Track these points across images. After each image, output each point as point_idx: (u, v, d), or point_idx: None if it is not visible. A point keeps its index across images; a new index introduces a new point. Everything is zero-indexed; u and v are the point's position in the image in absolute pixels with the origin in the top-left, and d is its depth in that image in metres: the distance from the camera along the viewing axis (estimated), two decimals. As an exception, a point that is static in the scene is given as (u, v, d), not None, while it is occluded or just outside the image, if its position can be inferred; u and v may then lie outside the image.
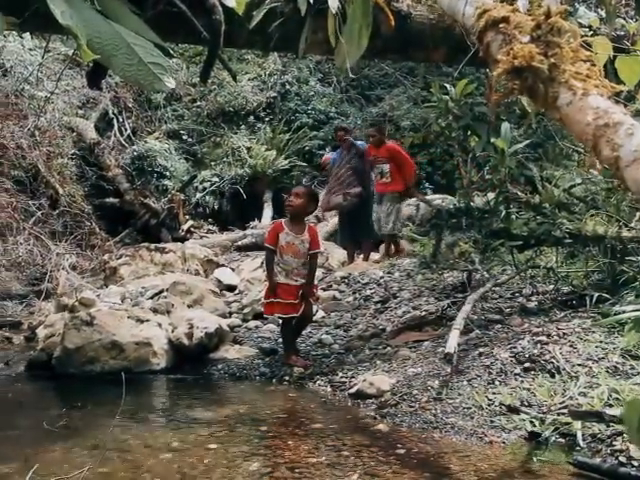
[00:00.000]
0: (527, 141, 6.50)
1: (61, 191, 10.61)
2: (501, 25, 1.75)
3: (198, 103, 14.36)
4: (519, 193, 6.30)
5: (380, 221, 9.22)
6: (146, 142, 13.19)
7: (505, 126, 5.98)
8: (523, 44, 1.68)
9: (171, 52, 2.53)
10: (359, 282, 7.87)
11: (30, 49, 10.71)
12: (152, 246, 9.95)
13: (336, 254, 9.73)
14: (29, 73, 10.52)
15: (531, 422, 3.76)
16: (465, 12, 1.93)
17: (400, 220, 9.43)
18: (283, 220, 5.92)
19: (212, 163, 13.63)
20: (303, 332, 6.05)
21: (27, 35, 9.17)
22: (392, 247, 9.46)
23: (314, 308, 6.09)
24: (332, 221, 10.89)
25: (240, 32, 4.44)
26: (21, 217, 9.48)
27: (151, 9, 2.76)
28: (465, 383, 4.39)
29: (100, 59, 2.28)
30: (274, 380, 5.38)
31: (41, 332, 6.67)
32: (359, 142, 9.66)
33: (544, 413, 3.80)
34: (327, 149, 13.51)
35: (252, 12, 4.49)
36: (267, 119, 14.44)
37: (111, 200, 12.19)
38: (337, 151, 9.84)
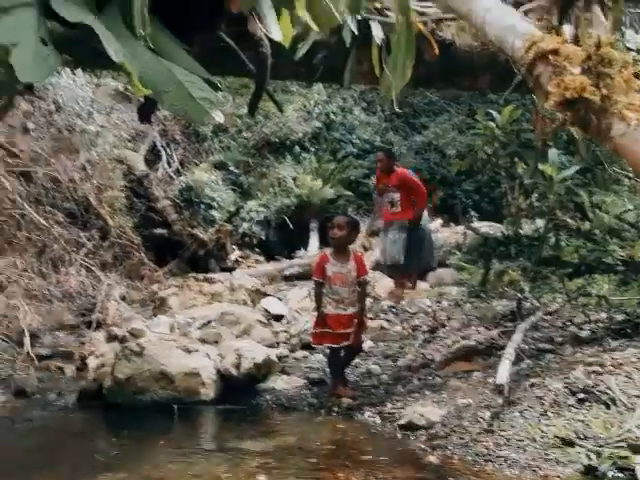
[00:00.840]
0: (576, 167, 6.42)
1: (111, 222, 10.76)
2: (551, 57, 1.73)
3: (244, 134, 14.50)
4: (568, 220, 6.22)
5: (385, 251, 8.99)
6: (194, 173, 13.34)
7: (553, 152, 5.92)
8: (574, 75, 1.66)
9: (219, 86, 2.55)
10: (407, 311, 7.82)
11: (82, 84, 10.98)
12: (200, 276, 10.02)
13: (383, 283, 9.67)
14: (81, 108, 10.77)
15: (587, 455, 3.66)
16: (513, 44, 1.91)
17: (403, 250, 8.94)
18: (328, 251, 5.93)
19: (258, 193, 13.71)
20: (351, 362, 6.02)
21: (79, 71, 9.40)
22: (409, 280, 9.28)
23: (362, 338, 6.06)
24: (378, 250, 10.86)
25: (286, 64, 4.48)
26: (73, 249, 9.63)
27: (200, 45, 2.79)
28: (517, 415, 4.30)
29: (151, 94, 2.31)
30: (322, 411, 5.34)
31: (92, 362, 6.74)
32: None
33: (600, 446, 3.70)
34: (372, 177, 13.52)
35: (297, 44, 4.54)
36: (312, 149, 14.49)
37: (160, 231, 12.33)
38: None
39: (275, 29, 3.01)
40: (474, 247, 10.14)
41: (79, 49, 2.60)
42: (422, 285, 9.41)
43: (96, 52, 2.35)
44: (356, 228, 6.01)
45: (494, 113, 6.49)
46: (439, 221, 12.40)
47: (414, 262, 9.12)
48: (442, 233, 11.36)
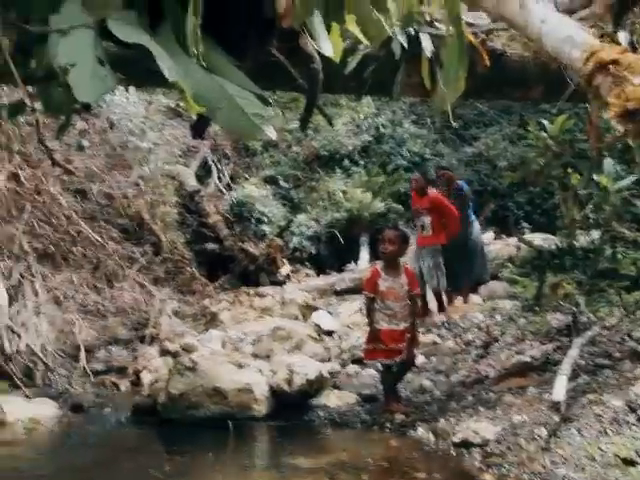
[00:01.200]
0: (632, 177, 6.28)
1: (164, 238, 10.91)
2: (611, 67, 1.69)
3: (294, 148, 14.57)
4: (625, 231, 6.09)
5: (423, 277, 8.64)
6: (244, 188, 13.45)
7: (608, 162, 5.81)
8: (635, 86, 1.62)
9: (271, 101, 2.57)
10: (460, 326, 7.73)
11: (134, 102, 11.19)
12: (251, 291, 10.09)
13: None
14: (134, 125, 10.96)
15: (649, 474, 3.56)
16: (571, 55, 1.87)
17: (443, 273, 8.69)
18: (379, 265, 5.90)
19: (308, 207, 13.74)
20: (404, 378, 5.97)
21: (131, 89, 9.56)
22: (461, 294, 9.16)
23: (414, 353, 6.01)
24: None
25: (336, 78, 4.48)
26: (126, 264, 9.78)
27: (251, 61, 2.81)
28: (575, 432, 4.21)
29: (204, 111, 2.34)
30: (375, 427, 5.31)
31: (145, 377, 6.82)
32: (460, 182, 9.53)
33: (663, 465, 3.60)
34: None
35: (347, 58, 4.54)
36: (362, 162, 14.48)
37: (211, 246, 12.44)
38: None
39: (326, 44, 3.02)
40: (527, 260, 9.96)
41: (133, 68, 2.65)
42: (474, 299, 9.30)
43: (150, 71, 2.39)
44: (406, 241, 5.98)
45: (546, 123, 6.39)
46: (491, 233, 12.28)
47: (466, 275, 9.02)
48: (494, 245, 11.23)
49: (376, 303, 5.65)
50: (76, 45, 2.32)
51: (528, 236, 11.17)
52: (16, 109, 2.81)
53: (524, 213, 13.54)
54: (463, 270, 8.97)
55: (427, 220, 8.65)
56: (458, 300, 9.22)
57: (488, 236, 11.60)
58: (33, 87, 2.92)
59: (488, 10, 1.48)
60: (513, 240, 10.67)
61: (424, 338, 7.29)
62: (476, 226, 9.42)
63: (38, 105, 2.87)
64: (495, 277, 9.73)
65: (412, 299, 5.71)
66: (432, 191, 8.99)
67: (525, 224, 13.05)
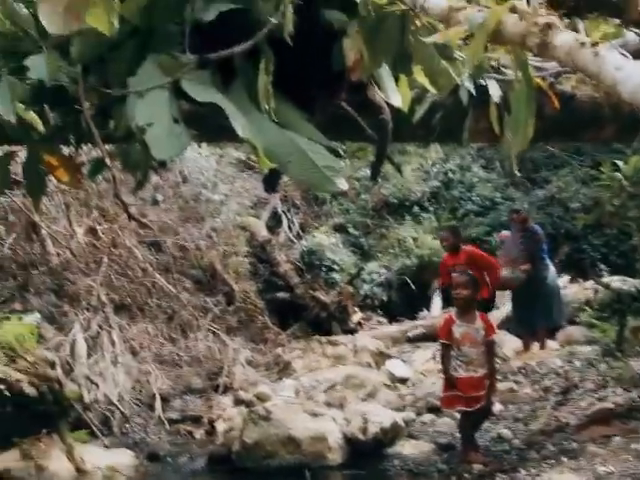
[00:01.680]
0: None
1: (236, 288, 11.03)
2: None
3: (363, 196, 14.65)
4: None
5: None
6: (314, 237, 13.54)
7: (687, 202, 5.65)
8: None
9: (341, 153, 2.61)
10: (537, 372, 7.55)
11: (206, 156, 11.47)
12: (323, 339, 10.07)
13: (510, 342, 9.40)
14: (205, 178, 11.22)
15: None
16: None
17: None
18: (452, 312, 5.83)
19: (379, 255, 13.74)
20: (481, 426, 5.84)
21: (203, 143, 9.81)
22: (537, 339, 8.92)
23: (492, 400, 5.88)
24: (504, 308, 10.57)
25: (404, 126, 4.51)
26: (200, 314, 9.91)
27: (321, 114, 2.87)
28: (665, 483, 4.03)
29: (276, 166, 2.39)
30: (453, 477, 5.19)
31: (220, 426, 6.85)
32: (535, 225, 9.39)
33: None
34: (495, 234, 13.31)
35: (415, 106, 4.57)
36: (431, 208, 14.44)
37: (282, 295, 12.51)
38: (507, 233, 9.65)
39: (394, 95, 3.06)
40: (606, 303, 9.69)
41: (206, 124, 2.74)
42: (551, 344, 9.08)
43: (222, 127, 2.46)
44: (478, 285, 5.91)
45: (620, 163, 6.28)
46: (566, 277, 12.00)
47: (542, 320, 8.82)
48: (570, 289, 10.99)
49: (452, 350, 5.56)
50: (152, 105, 2.40)
51: (606, 279, 10.89)
52: (97, 168, 2.92)
53: (600, 255, 13.21)
54: (539, 315, 8.78)
55: (463, 276, 8.26)
56: (534, 346, 9.01)
57: (564, 280, 11.34)
58: (112, 146, 3.04)
59: (559, 59, 1.48)
60: (590, 283, 10.42)
61: (501, 385, 7.13)
62: (551, 269, 9.24)
63: (116, 162, 2.99)
64: (572, 322, 9.50)
65: (489, 344, 5.61)
66: (467, 246, 8.71)
67: (602, 266, 12.73)
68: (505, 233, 10.33)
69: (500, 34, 1.58)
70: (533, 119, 3.16)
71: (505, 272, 8.79)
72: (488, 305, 8.28)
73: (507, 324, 10.04)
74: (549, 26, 1.45)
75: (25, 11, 2.54)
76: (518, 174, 13.31)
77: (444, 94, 4.34)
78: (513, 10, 1.58)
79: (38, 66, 2.48)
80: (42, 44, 2.55)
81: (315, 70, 2.73)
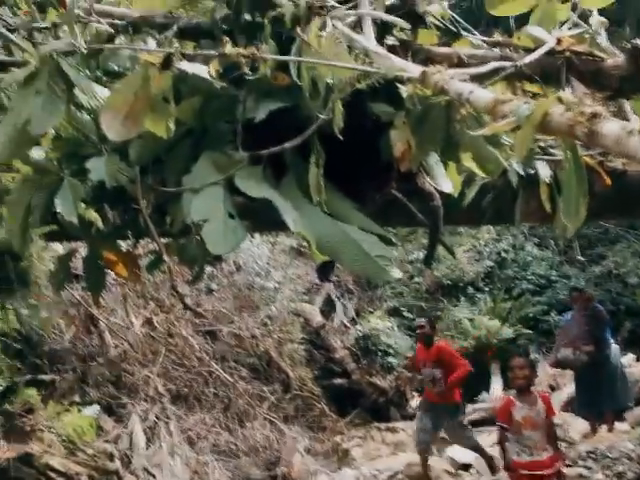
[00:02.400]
0: None
1: (292, 375, 10.99)
2: None
3: (416, 279, 14.61)
4: None
5: (453, 437, 8.02)
6: (369, 322, 13.48)
7: None
8: None
9: (394, 242, 2.62)
10: (608, 457, 7.25)
11: (258, 244, 11.64)
12: (382, 426, 9.93)
13: (576, 425, 9.08)
14: (259, 267, 11.35)
15: None
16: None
17: (472, 432, 7.99)
18: (512, 395, 5.71)
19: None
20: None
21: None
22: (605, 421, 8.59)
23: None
24: (567, 389, 10.27)
25: (455, 210, 4.53)
26: (256, 403, 9.87)
27: (372, 203, 2.91)
28: None
29: (329, 257, 2.42)
30: None
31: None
32: (597, 304, 9.18)
33: None
34: (552, 313, 13.10)
35: (464, 190, 4.60)
36: (486, 288, 14.31)
37: (339, 381, 12.40)
38: (569, 312, 9.43)
39: (444, 181, 3.09)
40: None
41: (259, 217, 2.80)
42: (621, 426, 8.74)
43: (275, 219, 2.52)
44: (535, 368, 5.82)
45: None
46: (631, 355, 11.65)
47: (608, 402, 8.53)
48: (636, 368, 10.64)
49: (513, 434, 5.41)
50: (207, 202, 2.47)
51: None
52: (154, 263, 2.99)
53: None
54: (604, 397, 8.49)
55: (437, 373, 7.82)
56: (602, 428, 8.69)
57: (628, 358, 11.01)
58: (168, 240, 3.12)
59: (608, 147, 1.49)
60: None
61: (570, 471, 6.87)
62: (615, 349, 8.98)
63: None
64: (640, 402, 9.19)
65: (550, 426, 5.45)
66: (440, 341, 8.57)
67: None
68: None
69: (547, 125, 1.60)
70: (586, 198, 3.15)
71: (566, 353, 8.57)
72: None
73: (571, 406, 9.73)
74: (595, 115, 1.46)
75: (87, 117, 2.67)
76: (578, 255, 13.18)
77: (493, 177, 4.37)
78: (559, 101, 1.60)
79: (98, 168, 2.59)
80: (102, 147, 2.67)
81: (364, 162, 2.78)
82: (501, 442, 5.54)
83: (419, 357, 8.13)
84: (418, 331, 8.26)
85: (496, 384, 12.45)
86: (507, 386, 11.86)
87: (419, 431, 7.80)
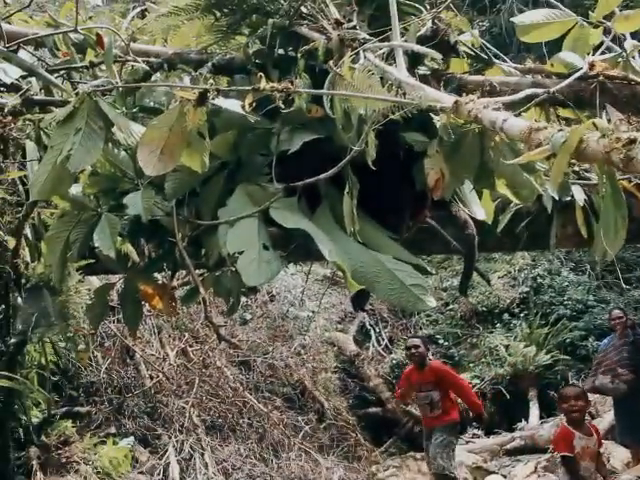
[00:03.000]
0: None
1: (326, 405, 10.93)
2: None
3: (451, 306, 14.51)
4: None
5: (430, 459, 7.40)
6: (403, 350, 13.39)
7: None
8: None
9: (429, 270, 2.62)
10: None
11: (292, 274, 11.67)
12: (418, 455, 9.78)
13: (617, 453, 8.89)
14: (293, 296, 11.37)
15: None
16: None
17: (452, 457, 7.33)
18: (570, 426, 5.49)
19: (470, 365, 13.45)
20: None
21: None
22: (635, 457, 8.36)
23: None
24: (607, 417, 10.08)
25: (489, 237, 4.51)
26: (291, 433, 9.83)
27: (406, 232, 2.92)
28: None
29: (364, 287, 2.43)
30: None
31: None
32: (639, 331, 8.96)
33: None
34: (590, 339, 12.90)
35: (498, 216, 4.58)
36: (522, 315, 14.14)
37: (374, 410, 12.31)
38: (608, 337, 9.23)
39: (478, 209, 3.09)
40: None
41: (294, 247, 2.81)
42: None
43: (309, 249, 2.53)
44: (588, 397, 5.67)
45: None
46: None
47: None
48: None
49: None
50: (242, 234, 2.50)
51: None
52: (190, 295, 3.02)
53: None
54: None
55: (435, 395, 7.29)
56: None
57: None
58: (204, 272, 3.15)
59: (643, 173, 1.49)
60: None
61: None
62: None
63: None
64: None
65: (599, 456, 5.33)
66: (434, 361, 8.12)
67: None
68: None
69: (583, 153, 1.60)
70: (625, 224, 3.12)
71: (605, 380, 8.40)
72: (462, 426, 7.84)
73: (612, 433, 9.54)
74: (632, 141, 1.46)
75: (123, 153, 2.72)
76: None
77: (527, 203, 4.36)
78: (594, 127, 1.60)
79: (135, 203, 2.64)
80: (138, 182, 2.71)
81: (398, 191, 2.80)
82: (574, 473, 5.31)
83: (412, 380, 7.46)
84: (413, 351, 7.47)
85: (534, 411, 12.27)
86: (547, 413, 11.73)
87: (433, 461, 7.31)
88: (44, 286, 3.85)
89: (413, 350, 7.43)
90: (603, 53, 2.97)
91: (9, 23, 3.52)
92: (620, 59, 2.98)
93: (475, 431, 12.32)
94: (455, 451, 7.37)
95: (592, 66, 2.69)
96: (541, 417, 11.74)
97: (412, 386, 7.43)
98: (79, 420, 7.52)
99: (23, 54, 3.30)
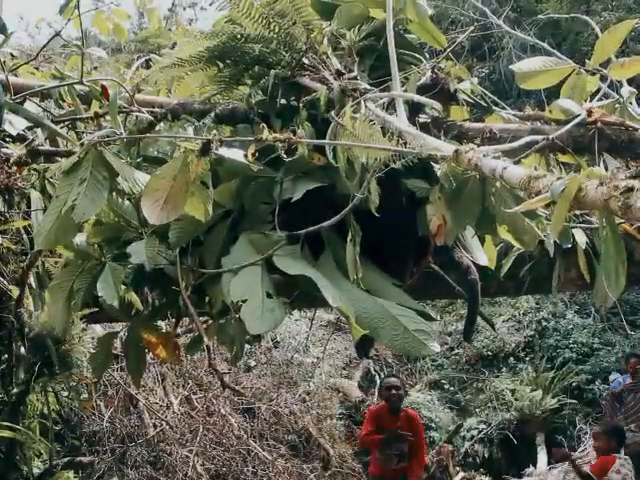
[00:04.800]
0: None
1: (332, 452, 10.81)
2: None
3: (456, 351, 14.44)
4: None
5: None
6: (409, 395, 13.26)
7: None
8: None
9: (433, 316, 2.62)
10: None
11: (296, 320, 11.64)
12: (423, 498, 9.65)
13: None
14: (297, 342, 11.32)
15: None
16: None
17: None
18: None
19: (477, 410, 13.33)
20: None
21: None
22: None
23: None
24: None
25: (492, 281, 4.51)
26: (296, 481, 9.71)
27: (410, 277, 2.93)
28: None
29: (368, 333, 2.43)
30: None
31: None
32: None
33: None
34: (597, 382, 12.82)
35: (501, 260, 4.58)
36: (527, 358, 14.07)
37: (380, 457, 12.15)
38: (617, 375, 9.07)
39: (480, 255, 3.10)
40: None
41: (298, 293, 2.82)
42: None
43: (313, 295, 2.54)
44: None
45: None
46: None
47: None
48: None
49: None
50: (246, 282, 2.51)
51: None
52: (194, 344, 3.02)
53: None
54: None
55: (406, 446, 6.65)
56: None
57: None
58: (206, 322, 3.14)
59: (642, 219, 1.50)
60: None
61: None
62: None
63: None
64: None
65: None
66: (407, 408, 7.36)
67: None
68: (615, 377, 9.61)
69: (582, 200, 1.62)
70: (625, 267, 3.13)
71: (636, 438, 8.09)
72: None
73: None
74: (630, 189, 1.48)
75: (127, 203, 2.75)
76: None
77: (529, 248, 4.36)
78: (593, 176, 1.62)
79: (138, 252, 2.65)
80: (142, 231, 2.73)
81: (401, 237, 2.81)
82: None
83: (384, 425, 6.71)
84: (393, 392, 6.70)
85: (542, 456, 12.13)
86: (555, 460, 11.58)
87: None
88: (47, 335, 3.85)
89: (394, 392, 6.71)
90: (600, 99, 3.01)
91: (16, 75, 3.58)
92: (617, 105, 3.02)
93: (482, 477, 12.18)
94: None
95: (590, 113, 2.73)
96: (549, 462, 11.59)
97: (385, 430, 6.67)
98: (81, 470, 7.42)
99: (29, 105, 3.35)
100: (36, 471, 4.91)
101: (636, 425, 8.11)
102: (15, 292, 3.76)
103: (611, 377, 11.15)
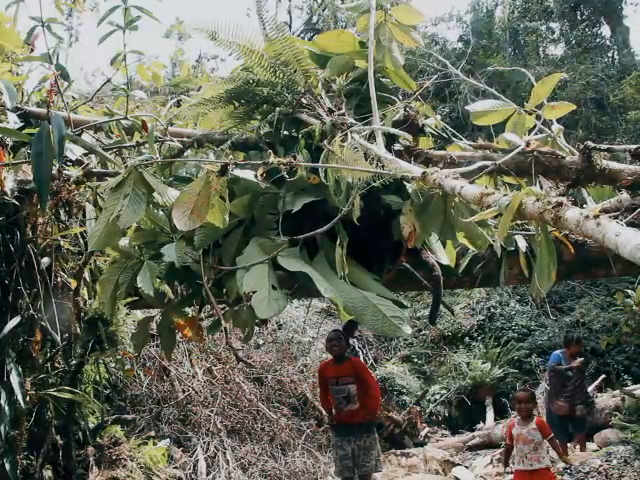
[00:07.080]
0: None
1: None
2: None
3: (423, 332, 14.46)
4: None
5: (354, 459, 6.00)
6: (386, 367, 13.27)
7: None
8: None
9: (405, 304, 2.60)
10: (580, 471, 6.95)
11: (296, 307, 11.61)
12: (398, 452, 9.60)
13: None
14: (296, 325, 11.29)
15: None
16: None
17: (380, 454, 6.23)
18: (515, 418, 5.61)
19: (439, 378, 13.35)
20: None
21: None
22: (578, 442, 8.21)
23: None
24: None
25: (452, 277, 4.50)
26: (296, 435, 9.65)
27: (387, 273, 2.91)
28: None
29: (354, 317, 2.41)
30: None
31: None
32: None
33: None
34: (533, 356, 12.86)
35: (459, 260, 4.57)
36: (479, 338, 14.09)
37: (362, 415, 12.10)
38: (554, 352, 8.97)
39: (443, 255, 3.09)
40: (633, 408, 8.99)
41: (297, 287, 2.79)
42: (590, 445, 8.42)
43: (309, 288, 2.52)
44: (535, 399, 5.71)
45: (630, 292, 6.08)
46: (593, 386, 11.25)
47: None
48: (601, 397, 10.25)
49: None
50: (255, 277, 2.49)
51: (630, 387, 10.19)
52: (214, 326, 2.99)
53: (623, 367, 12.48)
54: (577, 423, 8.20)
55: (352, 389, 5.87)
56: (575, 449, 8.36)
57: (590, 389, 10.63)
58: (224, 309, 3.12)
59: (571, 229, 1.49)
60: (617, 392, 9.74)
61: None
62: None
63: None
64: (607, 425, 8.83)
65: (551, 441, 5.37)
66: (354, 357, 6.81)
67: (626, 376, 12.03)
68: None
69: (522, 212, 1.61)
70: (555, 267, 3.12)
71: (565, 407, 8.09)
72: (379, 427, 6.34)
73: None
74: (560, 204, 1.47)
75: (161, 213, 2.72)
76: (544, 296, 12.92)
77: (481, 250, 4.33)
78: (531, 193, 1.61)
79: (170, 252, 2.63)
80: (173, 236, 2.71)
81: (380, 241, 2.80)
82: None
83: (328, 374, 6.07)
84: (333, 343, 6.03)
85: (490, 415, 12.13)
86: (501, 415, 11.60)
87: (341, 459, 6.04)
88: (98, 319, 3.82)
89: (334, 343, 6.02)
90: (536, 134, 3.02)
91: (75, 113, 3.55)
92: (549, 139, 3.02)
93: (443, 431, 12.16)
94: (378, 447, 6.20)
95: (528, 144, 2.73)
96: (495, 419, 11.59)
97: (327, 380, 6.05)
98: (126, 425, 7.36)
99: (85, 136, 3.33)
100: (91, 425, 4.88)
101: (581, 401, 8.14)
102: (74, 284, 3.73)
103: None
